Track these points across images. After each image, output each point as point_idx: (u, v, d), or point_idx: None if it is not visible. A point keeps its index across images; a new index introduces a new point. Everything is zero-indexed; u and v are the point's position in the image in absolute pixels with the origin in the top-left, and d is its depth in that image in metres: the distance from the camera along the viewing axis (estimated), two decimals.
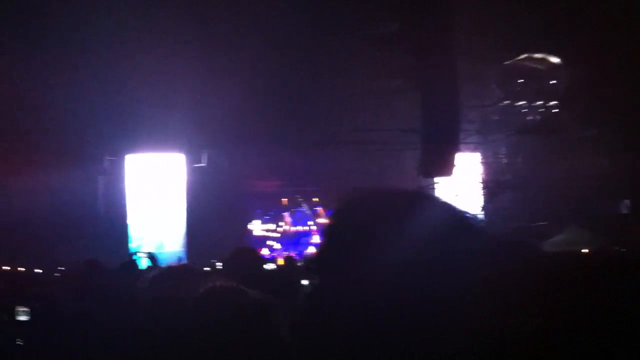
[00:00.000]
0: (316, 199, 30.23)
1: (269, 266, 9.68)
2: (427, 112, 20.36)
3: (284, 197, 30.17)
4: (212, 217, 24.51)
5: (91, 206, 24.35)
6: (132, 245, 25.56)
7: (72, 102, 21.83)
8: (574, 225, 21.94)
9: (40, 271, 13.77)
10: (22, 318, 4.17)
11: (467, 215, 1.21)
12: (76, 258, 16.07)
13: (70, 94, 21.78)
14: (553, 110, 26.21)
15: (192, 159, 26.57)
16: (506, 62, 25.43)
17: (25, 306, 5.37)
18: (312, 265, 1.23)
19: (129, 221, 25.73)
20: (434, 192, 22.87)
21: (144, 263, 12.77)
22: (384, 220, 1.14)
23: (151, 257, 16.20)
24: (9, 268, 13.28)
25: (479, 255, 1.15)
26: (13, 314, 4.22)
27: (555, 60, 25.80)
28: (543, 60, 25.94)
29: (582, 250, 16.39)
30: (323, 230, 1.25)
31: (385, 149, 24.05)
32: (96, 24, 21.39)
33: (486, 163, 26.17)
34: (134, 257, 13.46)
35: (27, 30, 21.17)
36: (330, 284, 1.14)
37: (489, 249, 1.17)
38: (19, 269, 13.46)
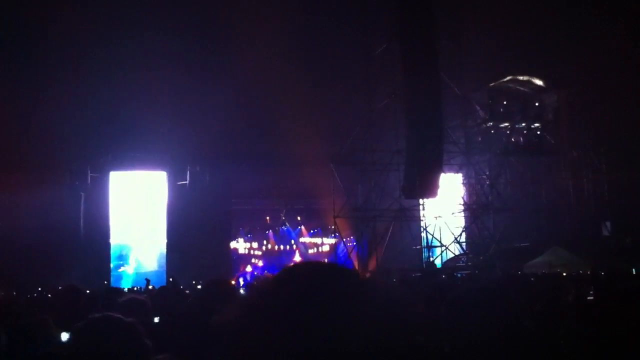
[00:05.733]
0: (299, 218, 30.30)
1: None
2: (411, 133, 20.43)
3: (267, 216, 30.17)
4: (194, 234, 24.37)
5: (73, 223, 24.09)
6: (114, 263, 25.43)
7: (55, 118, 21.65)
8: (555, 247, 22.09)
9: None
10: None
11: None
12: (57, 279, 16.01)
13: (52, 108, 21.60)
14: (537, 132, 26.39)
15: (175, 176, 26.45)
16: (491, 84, 25.59)
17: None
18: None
19: (110, 239, 25.52)
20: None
21: None
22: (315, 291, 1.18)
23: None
24: None
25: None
26: None
27: (539, 82, 26.03)
28: (527, 82, 26.18)
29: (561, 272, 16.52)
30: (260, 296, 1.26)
31: (371, 169, 24.02)
32: (82, 40, 21.35)
33: (470, 184, 26.21)
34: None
35: (11, 43, 21.04)
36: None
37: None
38: None
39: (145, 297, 5.40)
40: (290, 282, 1.23)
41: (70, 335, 2.58)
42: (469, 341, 2.23)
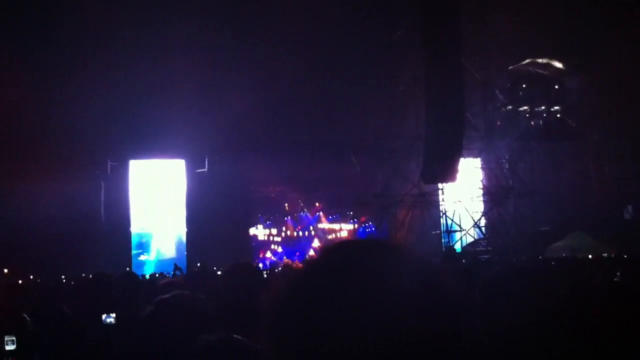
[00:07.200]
0: (318, 204, 30.30)
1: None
2: (430, 118, 20.31)
3: (285, 202, 30.20)
4: (214, 222, 24.45)
5: (94, 212, 24.25)
6: (134, 251, 25.64)
7: (75, 107, 21.76)
8: (577, 231, 21.90)
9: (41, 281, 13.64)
10: (10, 348, 4.05)
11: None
12: (79, 268, 16.15)
13: (72, 98, 21.71)
14: (557, 116, 26.11)
15: (194, 164, 26.55)
16: (510, 67, 25.32)
17: (31, 320, 5.29)
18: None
19: (131, 227, 25.71)
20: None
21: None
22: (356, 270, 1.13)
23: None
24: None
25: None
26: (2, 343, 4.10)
27: (559, 65, 25.71)
28: (547, 65, 25.86)
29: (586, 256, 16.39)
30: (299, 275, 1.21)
31: (389, 154, 23.92)
32: (99, 31, 21.41)
33: (489, 169, 26.01)
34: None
35: (31, 35, 21.16)
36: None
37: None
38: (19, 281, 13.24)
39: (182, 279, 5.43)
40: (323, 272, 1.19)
41: (153, 306, 2.64)
42: (506, 326, 2.19)
